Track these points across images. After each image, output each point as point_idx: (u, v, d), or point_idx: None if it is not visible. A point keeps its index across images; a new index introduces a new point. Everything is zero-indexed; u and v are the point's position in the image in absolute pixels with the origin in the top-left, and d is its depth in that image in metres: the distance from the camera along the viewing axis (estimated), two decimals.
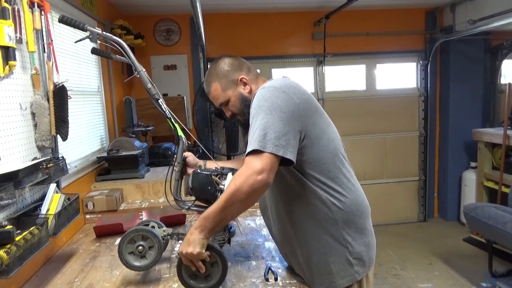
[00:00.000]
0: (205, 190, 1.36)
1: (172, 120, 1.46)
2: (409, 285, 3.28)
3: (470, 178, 4.36)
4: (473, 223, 2.93)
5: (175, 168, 1.47)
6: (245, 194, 1.11)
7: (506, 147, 3.64)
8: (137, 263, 1.39)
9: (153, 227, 1.53)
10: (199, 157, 1.60)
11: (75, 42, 1.67)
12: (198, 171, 1.40)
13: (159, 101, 1.47)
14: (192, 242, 1.18)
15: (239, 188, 1.11)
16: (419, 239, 4.24)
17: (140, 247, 1.38)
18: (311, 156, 1.24)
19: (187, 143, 1.50)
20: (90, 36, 1.46)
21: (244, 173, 1.12)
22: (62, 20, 1.49)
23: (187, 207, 1.44)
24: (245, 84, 1.39)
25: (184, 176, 1.51)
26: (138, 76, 1.49)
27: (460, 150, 4.57)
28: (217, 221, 1.18)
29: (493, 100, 4.66)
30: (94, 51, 1.53)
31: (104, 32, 1.47)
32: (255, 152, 1.13)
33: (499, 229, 2.58)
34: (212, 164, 1.51)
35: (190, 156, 1.54)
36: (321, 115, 1.30)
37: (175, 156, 1.48)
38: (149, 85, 1.48)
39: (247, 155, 1.15)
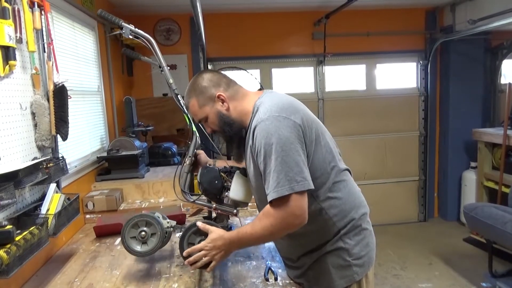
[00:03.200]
0: (212, 183, 1.40)
1: (189, 115, 1.47)
2: (409, 285, 3.28)
3: (470, 178, 4.36)
4: (473, 223, 2.93)
5: (186, 160, 1.50)
6: (281, 235, 1.24)
7: (506, 147, 3.64)
8: (137, 248, 1.41)
9: (158, 217, 1.53)
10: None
11: (109, 35, 1.79)
12: (207, 165, 1.47)
13: (178, 96, 1.50)
14: (226, 255, 1.29)
15: (276, 232, 1.20)
16: (419, 239, 4.24)
17: (143, 233, 1.40)
18: (310, 172, 1.21)
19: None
20: (124, 31, 1.54)
21: (281, 219, 1.16)
22: (100, 15, 1.62)
23: (192, 200, 1.46)
24: (222, 101, 1.32)
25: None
26: (162, 72, 1.56)
27: (460, 150, 4.57)
28: (250, 246, 1.44)
29: (493, 100, 4.66)
30: (125, 52, 1.71)
31: (136, 29, 1.56)
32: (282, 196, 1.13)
33: (499, 229, 2.58)
34: (222, 164, 1.52)
35: (201, 154, 1.58)
36: (317, 126, 1.27)
37: (188, 148, 1.51)
38: (171, 80, 1.54)
39: (273, 200, 1.15)
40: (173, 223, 1.51)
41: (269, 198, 1.16)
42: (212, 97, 1.32)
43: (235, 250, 1.30)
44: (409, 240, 4.23)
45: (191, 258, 1.27)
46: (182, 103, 1.48)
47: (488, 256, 2.98)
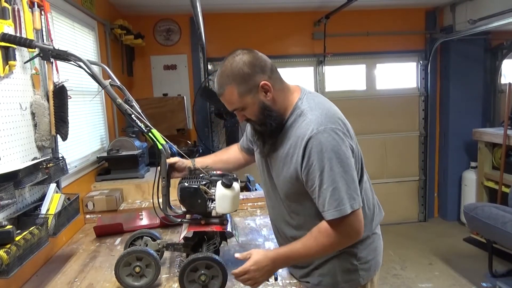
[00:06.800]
0: (195, 204, 1.36)
1: (150, 133, 1.37)
2: (409, 285, 3.28)
3: (470, 178, 4.36)
4: (473, 223, 2.93)
5: (161, 183, 1.40)
6: (334, 252, 1.23)
7: (506, 147, 3.64)
8: (137, 283, 1.37)
9: (146, 244, 1.51)
10: (200, 156, 1.58)
11: (24, 63, 1.53)
12: (185, 184, 1.36)
13: (131, 116, 1.35)
14: (270, 275, 1.22)
15: (332, 250, 1.20)
16: (419, 239, 4.25)
17: (137, 268, 1.36)
18: None
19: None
20: (41, 54, 1.29)
21: (344, 238, 1.15)
22: (4, 39, 1.33)
23: (178, 221, 1.44)
24: (266, 91, 1.17)
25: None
26: (105, 91, 1.39)
27: (460, 150, 4.57)
28: (296, 263, 1.31)
29: (493, 100, 4.66)
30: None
31: (57, 48, 1.33)
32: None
33: (499, 229, 2.58)
34: (200, 163, 1.49)
35: (178, 162, 1.49)
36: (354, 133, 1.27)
37: (159, 169, 1.42)
38: (118, 101, 1.37)
39: (334, 218, 1.11)
40: (165, 242, 1.49)
41: (329, 217, 1.12)
42: (256, 86, 1.16)
43: (280, 269, 1.24)
44: (409, 240, 4.23)
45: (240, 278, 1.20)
46: (139, 122, 1.34)
47: (488, 256, 2.98)
